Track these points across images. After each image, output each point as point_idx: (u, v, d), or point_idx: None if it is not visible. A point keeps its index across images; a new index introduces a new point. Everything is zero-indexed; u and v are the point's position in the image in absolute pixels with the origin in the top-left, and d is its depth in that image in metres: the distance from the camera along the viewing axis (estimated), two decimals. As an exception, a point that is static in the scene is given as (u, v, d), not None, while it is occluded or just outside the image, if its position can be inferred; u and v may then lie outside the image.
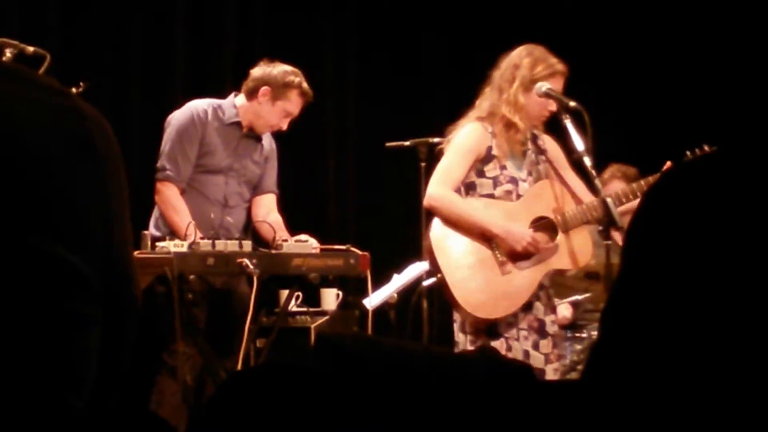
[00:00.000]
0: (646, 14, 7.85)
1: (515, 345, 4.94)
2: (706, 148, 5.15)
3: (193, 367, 5.38)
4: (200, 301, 5.42)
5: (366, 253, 5.49)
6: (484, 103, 5.00)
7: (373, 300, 5.72)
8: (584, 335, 6.05)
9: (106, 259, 0.96)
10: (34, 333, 0.91)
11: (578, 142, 4.79)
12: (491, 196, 4.97)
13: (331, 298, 6.27)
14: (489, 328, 4.95)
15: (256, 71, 5.68)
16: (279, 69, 5.66)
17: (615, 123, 6.98)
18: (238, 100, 5.69)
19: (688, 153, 5.18)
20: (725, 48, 7.32)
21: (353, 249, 5.48)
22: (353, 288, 6.17)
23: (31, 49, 4.51)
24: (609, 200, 4.80)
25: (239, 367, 5.18)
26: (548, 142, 5.11)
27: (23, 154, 0.93)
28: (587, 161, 4.79)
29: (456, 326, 5.05)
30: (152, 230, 5.47)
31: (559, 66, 4.97)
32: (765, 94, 6.45)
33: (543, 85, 4.94)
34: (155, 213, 5.58)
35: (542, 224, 5.01)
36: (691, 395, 1.00)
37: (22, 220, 0.91)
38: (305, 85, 5.64)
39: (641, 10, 7.86)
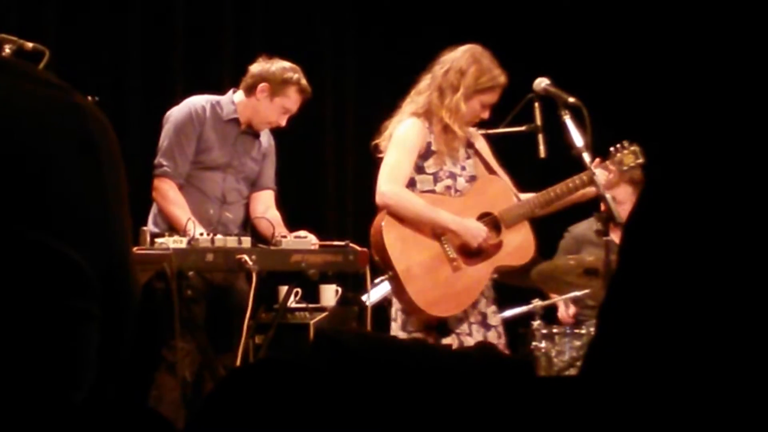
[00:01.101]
0: (645, 11, 7.85)
1: (467, 340, 4.97)
2: (626, 144, 5.19)
3: (191, 363, 5.38)
4: (199, 298, 5.42)
5: (365, 250, 5.49)
6: (420, 98, 5.00)
7: (371, 296, 5.72)
8: (583, 331, 6.05)
9: (105, 256, 0.96)
10: (34, 328, 0.91)
11: (577, 138, 4.79)
12: (432, 191, 4.97)
13: (330, 294, 6.26)
14: (439, 325, 4.96)
15: (255, 67, 5.68)
16: (277, 65, 5.65)
17: (612, 119, 6.98)
18: (237, 96, 5.68)
19: (611, 150, 5.20)
20: (723, 45, 7.32)
21: (352, 245, 5.48)
22: (352, 284, 6.17)
23: (30, 44, 4.51)
24: (608, 196, 4.81)
25: (238, 363, 5.18)
26: (474, 136, 5.13)
27: (24, 149, 0.93)
28: (586, 157, 4.80)
29: (396, 325, 5.03)
30: (151, 227, 5.46)
31: (501, 79, 4.95)
32: (763, 92, 6.44)
33: (542, 81, 4.96)
34: (153, 209, 5.58)
35: (487, 220, 5.02)
36: (688, 390, 1.00)
37: (23, 216, 0.91)
38: (304, 81, 5.63)
39: (640, 7, 7.86)
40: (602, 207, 4.87)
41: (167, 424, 1.13)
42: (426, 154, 4.94)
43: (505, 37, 5.29)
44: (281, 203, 5.88)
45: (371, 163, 7.67)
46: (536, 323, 5.97)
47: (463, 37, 5.22)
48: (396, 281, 4.88)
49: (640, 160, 5.20)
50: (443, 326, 4.94)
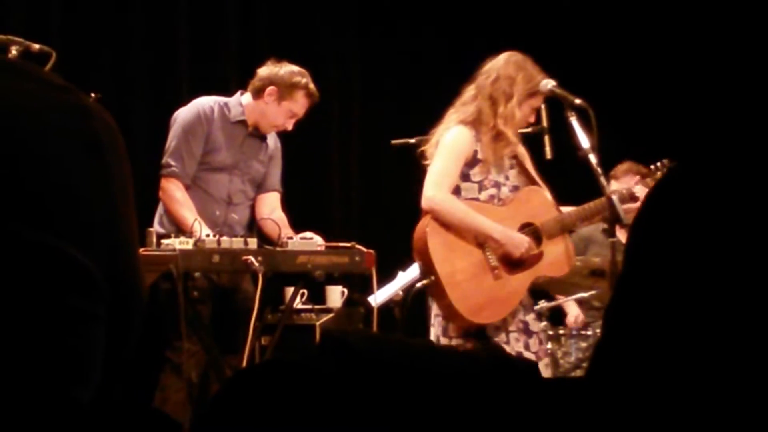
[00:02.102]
0: (648, 13, 7.84)
1: (506, 348, 4.97)
2: (666, 162, 5.24)
3: (197, 364, 5.39)
4: (204, 299, 5.43)
5: (371, 251, 5.49)
6: (469, 107, 5.01)
7: (378, 297, 5.72)
8: (589, 333, 6.05)
9: (111, 256, 0.96)
10: (40, 329, 0.91)
11: (584, 140, 4.79)
12: (476, 200, 5.00)
13: (336, 296, 6.27)
14: (478, 332, 4.97)
15: (263, 71, 5.68)
16: (286, 69, 5.65)
17: (619, 121, 6.97)
18: (245, 98, 5.69)
19: (651, 167, 5.24)
20: (724, 47, 7.31)
21: (358, 246, 5.49)
22: (358, 285, 6.17)
23: (36, 46, 4.51)
24: (614, 197, 4.81)
25: (244, 364, 5.18)
26: (519, 148, 5.16)
27: (29, 150, 0.93)
28: (593, 159, 4.80)
29: (436, 330, 5.04)
30: (157, 227, 5.47)
31: (545, 81, 5.00)
32: (765, 95, 6.45)
33: (548, 83, 4.97)
34: (160, 210, 5.58)
35: (528, 231, 5.04)
36: (694, 393, 1.00)
37: (28, 217, 0.91)
38: (312, 86, 5.64)
39: (642, 8, 7.85)
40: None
41: (175, 425, 1.13)
42: (472, 162, 4.96)
43: (511, 39, 5.28)
44: (287, 204, 5.89)
45: (377, 164, 7.68)
46: (542, 324, 5.97)
47: (467, 40, 5.24)
48: (438, 286, 4.89)
49: None
50: (482, 334, 4.96)
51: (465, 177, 5.00)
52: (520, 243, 4.95)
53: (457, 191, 5.01)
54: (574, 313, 6.41)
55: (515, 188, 5.09)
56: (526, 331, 5.04)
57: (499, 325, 4.99)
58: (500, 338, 4.99)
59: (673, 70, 7.70)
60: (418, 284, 5.09)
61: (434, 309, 5.06)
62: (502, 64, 5.02)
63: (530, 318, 5.10)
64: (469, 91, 5.06)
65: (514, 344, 5.00)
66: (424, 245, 4.94)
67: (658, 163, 5.30)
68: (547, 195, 5.13)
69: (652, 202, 1.09)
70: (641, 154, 6.27)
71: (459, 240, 4.94)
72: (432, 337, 5.05)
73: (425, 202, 4.96)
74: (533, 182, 5.14)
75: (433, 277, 4.91)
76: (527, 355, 5.00)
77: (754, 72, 6.85)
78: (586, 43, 7.74)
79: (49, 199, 0.93)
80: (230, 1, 7.56)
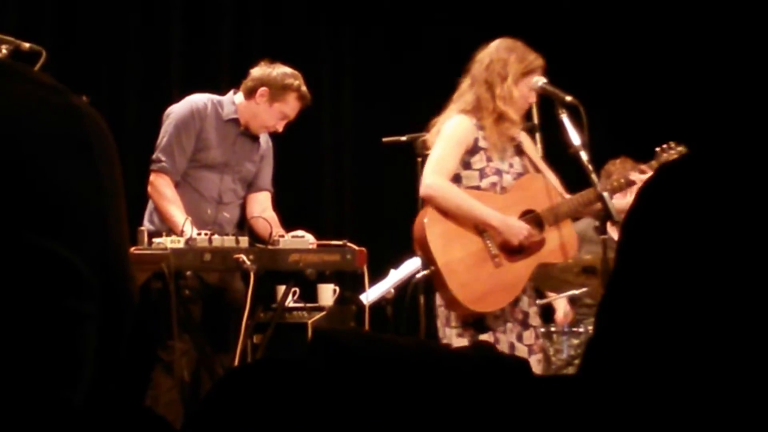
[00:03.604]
0: (640, 9, 7.85)
1: (502, 338, 4.98)
2: (673, 144, 5.23)
3: (189, 364, 5.38)
4: (195, 298, 5.43)
5: (363, 249, 5.49)
6: (467, 96, 5.03)
7: (370, 295, 5.72)
8: (581, 330, 6.05)
9: (102, 256, 0.96)
10: (31, 330, 0.91)
11: (575, 137, 4.79)
12: (477, 187, 4.99)
13: (328, 294, 6.27)
14: (476, 321, 4.97)
15: (256, 71, 5.67)
16: (278, 71, 5.64)
17: (609, 117, 6.98)
18: (237, 97, 5.68)
19: (657, 149, 5.23)
20: (720, 44, 7.32)
21: (350, 245, 5.49)
22: (350, 283, 6.17)
23: (26, 45, 4.51)
24: (605, 194, 4.82)
25: (236, 362, 5.18)
26: (522, 136, 5.16)
27: (19, 151, 0.93)
28: (584, 156, 4.80)
29: (439, 321, 5.05)
30: (146, 224, 5.47)
31: (540, 61, 5.07)
32: (760, 92, 6.46)
33: (539, 80, 4.99)
34: (149, 207, 5.57)
35: (530, 218, 5.03)
36: (686, 389, 1.00)
37: (19, 217, 0.91)
38: (304, 88, 5.63)
39: (635, 4, 7.86)
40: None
41: (165, 424, 1.13)
42: (473, 149, 4.97)
43: (503, 33, 5.28)
44: (279, 202, 5.89)
45: (369, 162, 7.68)
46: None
47: (461, 39, 5.24)
48: (438, 276, 4.89)
49: None
50: (480, 323, 4.96)
51: (466, 165, 5.00)
52: (519, 230, 4.95)
53: (457, 179, 5.00)
54: (563, 309, 6.41)
55: (519, 175, 5.10)
56: (523, 323, 5.03)
57: (499, 314, 4.98)
58: (498, 327, 4.98)
59: (666, 67, 7.71)
60: (419, 275, 5.08)
61: (438, 299, 5.05)
62: (493, 49, 5.05)
63: (532, 311, 5.10)
64: (465, 82, 5.08)
65: (509, 334, 4.99)
66: (423, 236, 4.93)
67: (664, 145, 5.28)
68: (551, 181, 5.13)
69: (643, 199, 1.09)
70: (632, 151, 6.27)
71: (459, 228, 4.94)
72: (439, 329, 5.06)
73: (423, 188, 4.95)
74: (537, 169, 5.15)
75: (433, 268, 4.91)
76: (519, 346, 4.99)
77: (749, 71, 6.86)
78: (578, 41, 7.75)
79: (38, 200, 0.92)
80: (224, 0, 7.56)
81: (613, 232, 5.46)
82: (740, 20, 7.20)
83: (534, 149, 5.20)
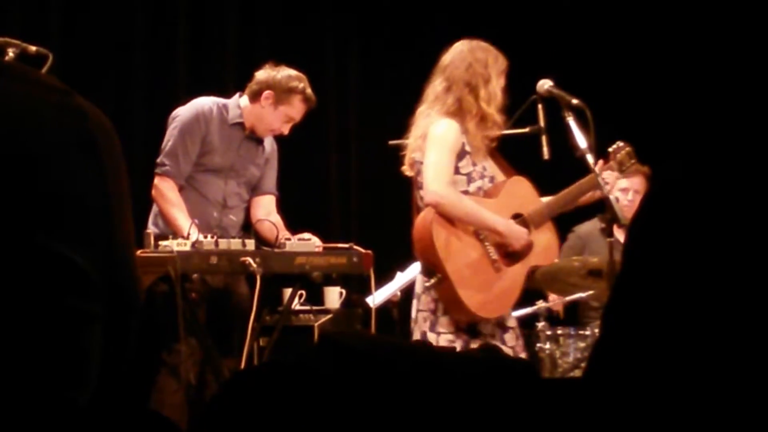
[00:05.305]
0: (646, 12, 7.85)
1: (491, 342, 4.97)
2: (620, 144, 5.23)
3: (194, 366, 5.38)
4: (200, 301, 5.43)
5: (369, 252, 5.49)
6: (446, 99, 4.98)
7: (376, 298, 5.72)
8: (587, 333, 6.04)
9: (108, 258, 0.96)
10: (38, 330, 0.91)
11: (581, 140, 4.79)
12: (466, 192, 4.96)
13: (334, 297, 6.27)
14: (469, 326, 4.95)
15: (261, 74, 5.66)
16: (283, 73, 5.63)
17: (616, 120, 6.98)
18: (243, 101, 5.68)
19: (609, 151, 5.22)
20: (722, 45, 7.32)
21: (356, 247, 5.48)
22: (356, 286, 6.17)
23: (33, 48, 4.51)
24: (612, 198, 4.82)
25: (242, 365, 5.17)
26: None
27: (26, 152, 0.93)
28: (590, 158, 4.80)
29: (418, 326, 4.98)
30: (151, 227, 5.46)
31: (506, 62, 5.04)
32: (764, 94, 6.45)
33: (545, 83, 4.97)
34: (154, 210, 5.57)
35: (518, 222, 5.04)
36: (692, 392, 1.00)
37: (25, 218, 0.91)
38: (309, 91, 5.62)
39: (641, 7, 7.86)
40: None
41: (173, 427, 1.13)
42: (461, 154, 4.95)
43: (508, 38, 5.28)
44: (285, 205, 5.88)
45: (375, 164, 7.68)
46: (540, 324, 5.97)
47: (463, 36, 5.22)
48: (446, 283, 4.84)
49: (634, 160, 5.27)
50: (473, 328, 4.95)
51: (455, 170, 4.98)
52: (521, 235, 4.96)
53: None
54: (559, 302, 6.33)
55: (492, 179, 5.07)
56: (501, 326, 5.01)
57: (491, 319, 4.97)
58: (487, 331, 4.96)
59: (672, 69, 7.71)
60: (426, 284, 5.02)
61: (423, 304, 5.00)
62: (467, 51, 5.01)
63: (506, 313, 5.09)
64: (439, 85, 5.01)
65: (497, 339, 4.99)
66: (430, 242, 4.88)
67: (615, 147, 5.28)
68: (531, 185, 5.13)
69: (650, 202, 1.09)
70: (638, 154, 6.26)
71: (461, 234, 4.93)
72: (417, 335, 5.01)
73: (430, 196, 4.88)
74: (507, 171, 5.14)
75: (440, 275, 4.86)
76: (504, 349, 4.99)
77: (753, 72, 6.85)
78: (583, 43, 7.74)
79: (44, 201, 0.93)
80: (230, 1, 7.56)
81: (620, 235, 5.46)
82: (742, 19, 7.19)
83: (496, 150, 5.18)
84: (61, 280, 0.92)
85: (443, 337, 4.92)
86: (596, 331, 5.91)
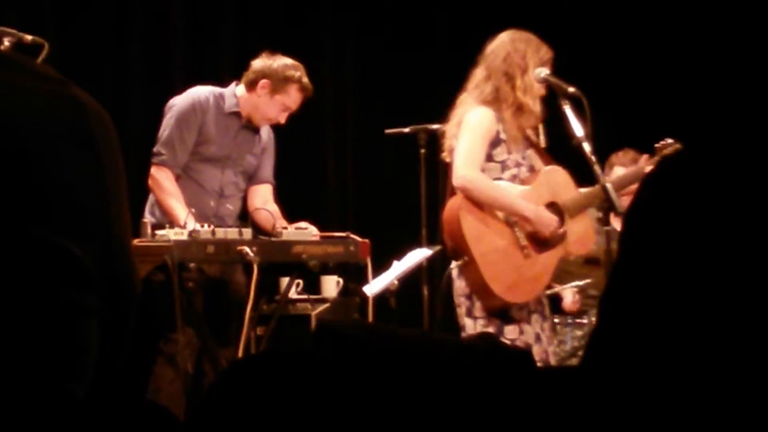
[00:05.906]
0: (646, 1, 7.85)
1: (527, 329, 5.03)
2: (669, 141, 5.24)
3: (191, 355, 5.39)
4: (196, 290, 5.43)
5: (366, 240, 5.49)
6: (485, 88, 5.03)
7: (373, 287, 5.72)
8: (585, 321, 6.06)
9: (105, 249, 0.96)
10: (35, 322, 0.91)
11: (577, 128, 4.79)
12: (499, 179, 5.02)
13: (331, 286, 6.27)
14: (502, 312, 5.00)
15: (257, 63, 5.66)
16: (280, 62, 5.63)
17: (613, 109, 6.98)
18: (239, 90, 5.67)
19: (656, 146, 5.25)
20: (722, 36, 7.31)
21: (353, 236, 5.49)
22: (353, 275, 6.17)
23: (29, 37, 4.50)
24: (609, 186, 4.82)
25: (240, 355, 5.18)
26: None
27: (21, 143, 0.93)
28: (587, 147, 4.80)
29: (461, 311, 5.06)
30: (147, 216, 5.46)
31: (550, 53, 5.12)
32: (761, 86, 6.45)
33: (542, 71, 4.99)
34: (150, 199, 5.57)
35: (552, 210, 5.08)
36: (688, 381, 1.00)
37: (22, 210, 0.91)
38: (305, 80, 5.61)
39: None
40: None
41: (170, 416, 1.13)
42: (495, 141, 5.00)
43: (505, 25, 5.27)
44: (282, 194, 5.88)
45: (372, 153, 7.68)
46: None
47: (463, 26, 5.24)
48: (473, 266, 4.91)
49: None
50: (506, 314, 5.00)
51: (488, 157, 5.02)
52: (550, 222, 5.02)
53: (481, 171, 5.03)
54: (569, 298, 6.41)
55: (532, 169, 5.13)
56: (543, 314, 5.10)
57: (523, 305, 5.03)
58: (522, 318, 5.03)
59: (670, 57, 7.71)
60: (452, 266, 5.06)
61: (459, 289, 5.06)
62: (507, 41, 5.07)
63: (545, 302, 5.19)
64: (480, 73, 5.09)
65: (534, 325, 5.05)
66: (458, 225, 4.95)
67: (663, 142, 5.30)
68: (567, 175, 5.18)
69: (646, 190, 1.09)
70: (635, 142, 6.27)
71: (490, 219, 4.98)
72: (459, 319, 5.07)
73: (458, 180, 4.95)
74: (548, 162, 5.18)
75: (466, 258, 4.92)
76: (544, 337, 5.08)
77: (752, 59, 6.85)
78: (580, 32, 7.74)
79: (41, 192, 0.92)
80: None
81: (617, 223, 5.46)
82: (743, 13, 7.19)
83: (538, 141, 5.23)
84: (58, 271, 0.92)
85: (479, 322, 4.99)
86: (593, 319, 5.92)
